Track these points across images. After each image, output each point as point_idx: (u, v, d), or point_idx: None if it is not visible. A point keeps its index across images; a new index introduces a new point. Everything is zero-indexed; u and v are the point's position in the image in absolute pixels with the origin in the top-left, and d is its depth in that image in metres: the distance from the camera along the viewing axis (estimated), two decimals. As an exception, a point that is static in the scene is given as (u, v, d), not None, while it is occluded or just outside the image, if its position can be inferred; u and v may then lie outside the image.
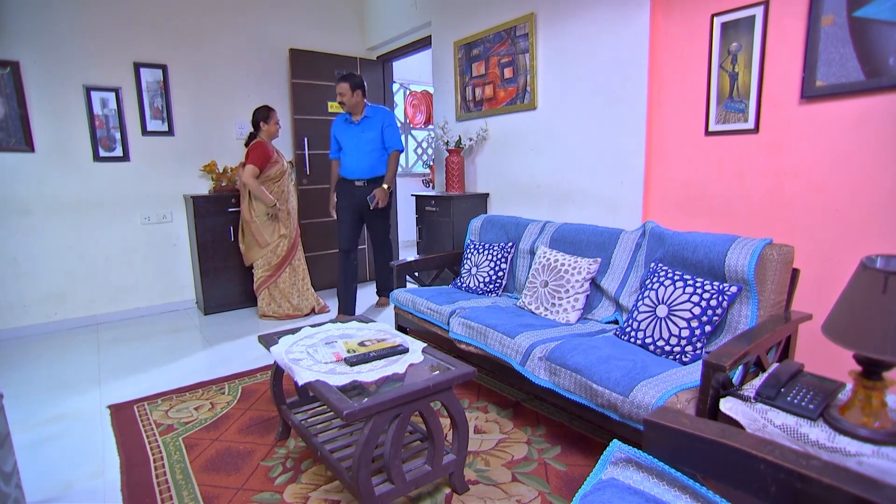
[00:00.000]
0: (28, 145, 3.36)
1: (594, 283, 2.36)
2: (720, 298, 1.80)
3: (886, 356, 1.09)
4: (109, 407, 2.36)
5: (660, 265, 2.06)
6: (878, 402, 1.18)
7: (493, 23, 3.21)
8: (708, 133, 2.27)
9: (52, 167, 3.47)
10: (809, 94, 1.91)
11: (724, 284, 1.83)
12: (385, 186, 3.37)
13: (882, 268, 1.10)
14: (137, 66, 3.67)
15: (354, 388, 1.57)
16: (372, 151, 3.40)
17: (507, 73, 3.15)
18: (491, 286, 2.78)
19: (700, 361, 1.71)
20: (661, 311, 1.89)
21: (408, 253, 5.95)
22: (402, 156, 6.23)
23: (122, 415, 2.29)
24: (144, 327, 3.62)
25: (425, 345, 1.84)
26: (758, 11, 2.03)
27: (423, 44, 4.07)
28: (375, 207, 3.34)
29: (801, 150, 1.98)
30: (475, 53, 3.37)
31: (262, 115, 3.55)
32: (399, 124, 3.47)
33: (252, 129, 3.63)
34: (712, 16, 2.18)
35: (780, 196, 2.07)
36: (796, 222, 2.03)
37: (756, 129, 2.10)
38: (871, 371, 1.17)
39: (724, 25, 2.14)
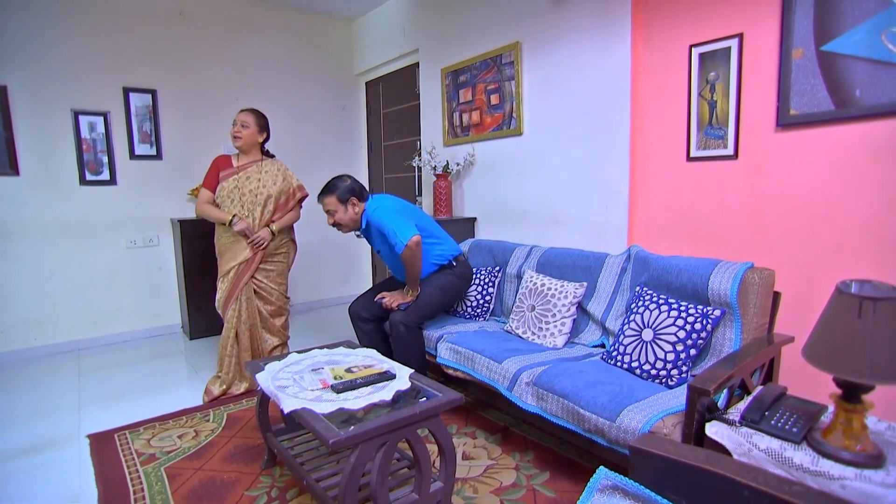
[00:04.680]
0: (13, 168, 3.34)
1: (580, 307, 2.37)
2: (704, 322, 1.82)
3: (864, 379, 1.12)
4: (89, 436, 2.30)
5: (645, 289, 2.08)
6: (858, 424, 1.19)
7: (479, 51, 3.28)
8: (689, 159, 2.32)
9: (37, 190, 3.44)
10: (784, 122, 1.98)
11: (708, 308, 1.85)
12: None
13: (856, 293, 1.13)
14: (127, 91, 3.69)
15: (341, 416, 1.56)
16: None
17: (494, 99, 3.22)
18: (478, 311, 2.79)
19: (686, 385, 1.73)
20: (647, 334, 1.91)
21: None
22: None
23: (102, 444, 2.23)
24: (128, 353, 3.55)
25: (413, 371, 1.83)
26: (733, 43, 2.11)
27: (411, 70, 4.14)
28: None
29: (779, 175, 2.04)
30: (462, 80, 3.44)
31: None
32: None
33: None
34: (690, 46, 2.26)
35: (759, 220, 2.12)
36: (776, 246, 2.07)
37: (735, 156, 2.16)
38: (850, 394, 1.19)
39: (702, 56, 2.22)
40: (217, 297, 2.76)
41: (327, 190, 2.46)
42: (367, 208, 2.47)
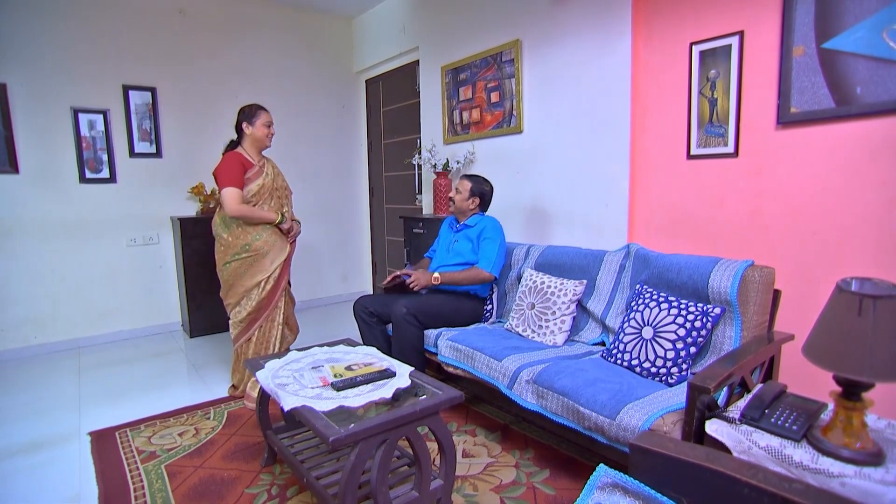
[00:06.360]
0: (12, 167, 3.34)
1: (580, 305, 2.37)
2: (704, 320, 1.82)
3: (864, 377, 1.12)
4: (90, 434, 2.31)
5: (645, 287, 2.08)
6: (858, 422, 1.19)
7: (479, 48, 3.28)
8: (690, 157, 2.32)
9: (37, 189, 3.44)
10: (785, 120, 1.98)
11: (708, 306, 1.85)
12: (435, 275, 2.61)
13: (857, 290, 1.13)
14: (126, 89, 3.68)
15: (341, 414, 1.56)
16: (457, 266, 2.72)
17: (494, 97, 3.21)
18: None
19: (686, 383, 1.73)
20: (647, 332, 1.91)
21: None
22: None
23: (103, 442, 2.23)
24: (128, 351, 3.56)
25: (413, 368, 1.83)
26: (733, 41, 2.10)
27: (411, 68, 4.14)
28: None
29: (779, 173, 2.04)
30: (462, 78, 3.43)
31: (246, 115, 2.61)
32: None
33: (235, 137, 2.68)
34: (691, 44, 2.25)
35: (759, 218, 2.12)
36: (776, 244, 2.07)
37: (735, 154, 2.16)
38: (850, 392, 1.19)
39: (703, 53, 2.22)
40: (258, 300, 2.58)
41: (471, 178, 2.81)
42: (486, 218, 2.77)
